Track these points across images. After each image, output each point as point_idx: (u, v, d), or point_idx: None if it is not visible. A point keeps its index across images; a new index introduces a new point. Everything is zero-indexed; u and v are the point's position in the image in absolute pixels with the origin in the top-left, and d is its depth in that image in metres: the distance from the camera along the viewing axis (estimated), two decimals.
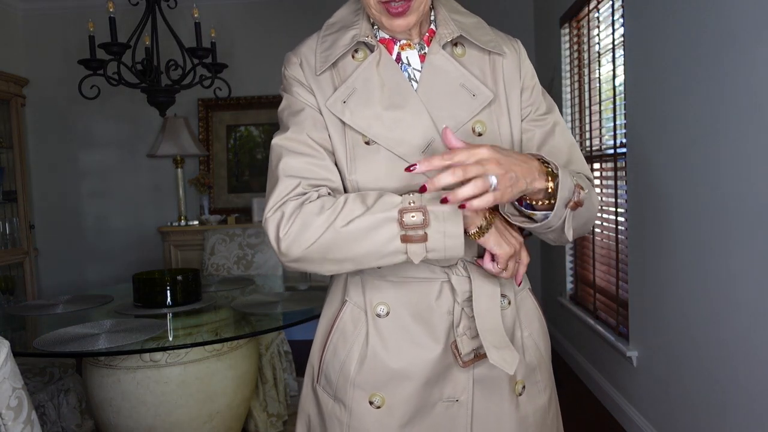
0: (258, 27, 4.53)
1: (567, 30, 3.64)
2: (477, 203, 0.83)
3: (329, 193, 0.97)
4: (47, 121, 4.61)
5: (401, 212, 0.88)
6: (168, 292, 2.43)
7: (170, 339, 2.07)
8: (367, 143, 0.98)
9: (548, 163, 0.92)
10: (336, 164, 1.01)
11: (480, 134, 1.00)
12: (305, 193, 0.95)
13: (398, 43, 1.04)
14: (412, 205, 0.88)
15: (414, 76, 1.03)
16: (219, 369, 2.24)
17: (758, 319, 1.74)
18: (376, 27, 1.05)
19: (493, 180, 0.83)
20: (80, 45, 4.27)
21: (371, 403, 1.02)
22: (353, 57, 1.02)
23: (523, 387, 1.07)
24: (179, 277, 2.47)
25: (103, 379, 2.16)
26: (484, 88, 1.01)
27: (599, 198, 3.13)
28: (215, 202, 4.59)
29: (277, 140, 1.01)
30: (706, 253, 2.02)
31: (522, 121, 1.06)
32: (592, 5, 3.16)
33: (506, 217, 0.96)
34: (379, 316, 1.02)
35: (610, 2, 2.86)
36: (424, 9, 0.99)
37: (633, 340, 2.69)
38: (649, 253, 2.47)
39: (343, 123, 0.99)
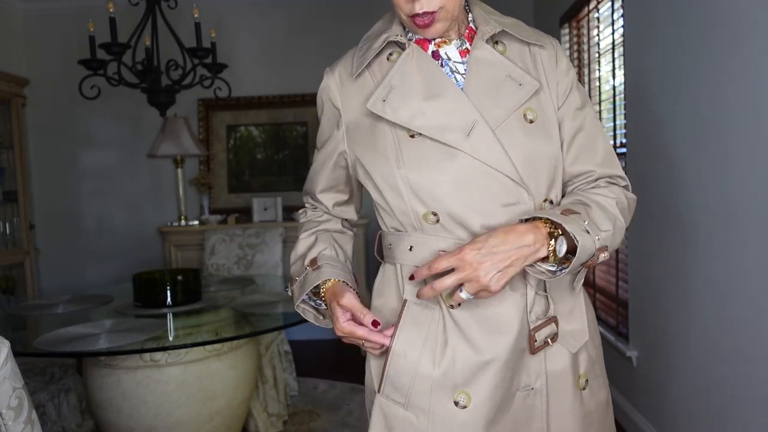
0: (258, 27, 4.53)
1: (567, 30, 3.64)
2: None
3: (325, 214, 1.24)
4: (47, 121, 4.61)
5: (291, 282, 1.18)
6: (168, 292, 2.43)
7: (170, 339, 2.08)
8: (412, 137, 1.00)
9: (564, 229, 0.93)
10: (383, 164, 1.02)
11: (531, 121, 1.02)
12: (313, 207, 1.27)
13: (433, 42, 1.06)
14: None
15: (456, 68, 1.05)
16: (219, 369, 2.24)
17: (758, 319, 1.74)
18: (408, 31, 1.08)
19: (464, 296, 0.94)
20: (80, 45, 4.27)
21: (456, 403, 0.98)
22: (388, 59, 1.05)
23: (587, 381, 1.06)
24: (179, 277, 2.47)
25: (103, 378, 2.16)
26: (530, 78, 1.03)
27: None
28: (215, 202, 4.59)
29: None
30: (706, 253, 2.02)
31: (557, 110, 1.07)
32: (592, 5, 3.16)
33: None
34: (452, 306, 0.99)
35: (610, 2, 2.86)
36: (452, 16, 1.02)
37: (633, 340, 2.69)
38: (649, 253, 2.47)
39: (387, 120, 1.02)
